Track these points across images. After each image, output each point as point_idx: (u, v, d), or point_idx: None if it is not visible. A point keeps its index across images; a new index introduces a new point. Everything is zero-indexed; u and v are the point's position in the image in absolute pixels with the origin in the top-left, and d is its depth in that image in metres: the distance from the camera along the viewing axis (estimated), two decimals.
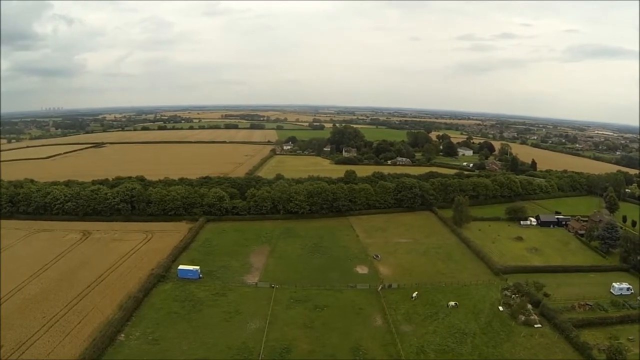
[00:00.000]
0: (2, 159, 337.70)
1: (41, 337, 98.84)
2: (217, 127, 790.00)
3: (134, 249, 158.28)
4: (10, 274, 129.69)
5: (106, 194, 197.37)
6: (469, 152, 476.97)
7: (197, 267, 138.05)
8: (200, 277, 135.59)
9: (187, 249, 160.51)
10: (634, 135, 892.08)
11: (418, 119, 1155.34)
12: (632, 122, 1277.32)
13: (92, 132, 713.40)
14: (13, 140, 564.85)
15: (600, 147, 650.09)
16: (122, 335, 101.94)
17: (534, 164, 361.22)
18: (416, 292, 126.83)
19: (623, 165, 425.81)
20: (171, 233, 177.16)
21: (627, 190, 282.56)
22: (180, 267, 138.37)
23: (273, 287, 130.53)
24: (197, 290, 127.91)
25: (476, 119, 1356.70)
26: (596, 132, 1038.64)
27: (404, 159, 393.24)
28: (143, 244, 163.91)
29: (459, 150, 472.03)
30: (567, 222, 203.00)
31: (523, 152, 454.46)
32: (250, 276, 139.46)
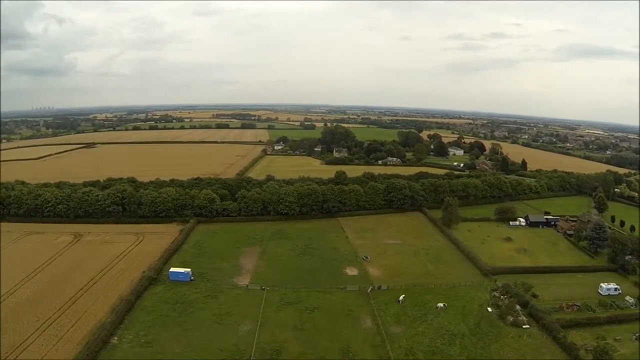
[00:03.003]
0: None
1: (35, 340, 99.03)
2: (208, 126, 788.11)
3: (126, 251, 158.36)
4: (2, 277, 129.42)
5: (97, 195, 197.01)
6: (460, 152, 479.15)
7: (189, 270, 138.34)
8: (191, 280, 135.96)
9: (178, 251, 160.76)
10: (624, 134, 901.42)
11: (409, 118, 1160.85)
12: (623, 121, 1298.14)
13: (83, 132, 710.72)
14: (4, 140, 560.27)
15: (590, 147, 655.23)
16: (115, 338, 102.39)
17: (524, 163, 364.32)
18: (403, 295, 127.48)
19: (613, 165, 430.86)
20: (162, 235, 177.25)
21: (616, 190, 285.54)
22: (172, 269, 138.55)
23: (264, 289, 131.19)
24: (188, 292, 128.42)
25: (468, 118, 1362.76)
26: (587, 131, 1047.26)
27: (394, 159, 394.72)
28: (134, 246, 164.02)
29: (449, 149, 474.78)
30: (556, 223, 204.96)
31: (514, 152, 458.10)
32: (241, 278, 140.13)
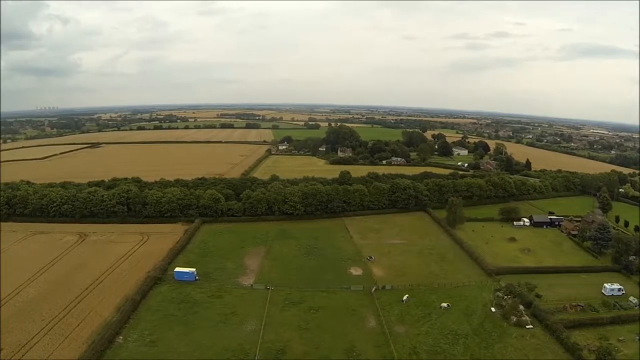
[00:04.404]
0: None
1: (40, 339, 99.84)
2: (212, 126, 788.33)
3: (131, 251, 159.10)
4: (8, 276, 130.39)
5: (102, 195, 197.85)
6: (464, 152, 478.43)
7: (193, 269, 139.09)
8: (196, 279, 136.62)
9: (183, 251, 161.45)
10: (629, 134, 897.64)
11: (413, 118, 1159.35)
12: (627, 121, 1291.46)
13: (87, 131, 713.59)
14: (9, 140, 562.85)
15: (595, 146, 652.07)
16: (120, 337, 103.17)
17: (528, 163, 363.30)
18: (406, 295, 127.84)
19: (618, 164, 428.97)
20: (167, 235, 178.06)
21: (620, 190, 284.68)
22: (177, 269, 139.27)
23: (268, 288, 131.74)
24: (193, 292, 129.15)
25: (472, 118, 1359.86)
26: (591, 130, 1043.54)
27: (398, 158, 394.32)
28: (139, 246, 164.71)
29: (454, 149, 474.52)
30: (560, 223, 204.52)
31: (518, 152, 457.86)
32: (246, 278, 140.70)
